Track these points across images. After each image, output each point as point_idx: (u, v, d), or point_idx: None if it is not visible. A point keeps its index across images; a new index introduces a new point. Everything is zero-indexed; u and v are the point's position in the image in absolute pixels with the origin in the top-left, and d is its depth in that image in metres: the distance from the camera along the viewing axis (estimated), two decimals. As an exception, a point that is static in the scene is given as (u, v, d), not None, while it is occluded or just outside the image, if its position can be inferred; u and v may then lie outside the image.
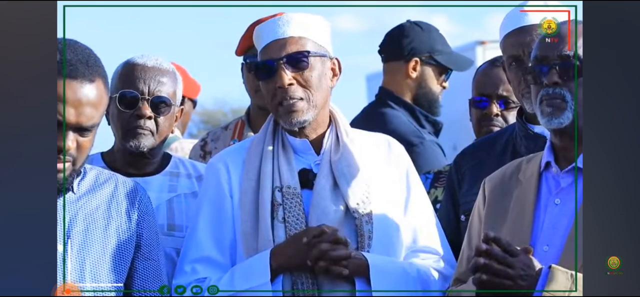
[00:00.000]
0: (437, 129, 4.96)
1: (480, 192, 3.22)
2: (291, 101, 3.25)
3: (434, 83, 4.95)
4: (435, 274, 3.30)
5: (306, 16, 3.34)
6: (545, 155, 3.09)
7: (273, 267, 3.17)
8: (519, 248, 2.91)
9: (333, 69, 3.36)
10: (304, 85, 3.27)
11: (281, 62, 3.26)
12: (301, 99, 3.26)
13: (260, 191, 3.27)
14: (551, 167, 3.07)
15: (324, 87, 3.31)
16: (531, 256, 2.92)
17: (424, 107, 4.93)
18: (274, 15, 4.19)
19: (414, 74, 4.93)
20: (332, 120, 3.38)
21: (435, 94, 4.96)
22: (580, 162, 3.00)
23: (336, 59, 3.38)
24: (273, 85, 3.28)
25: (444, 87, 5.02)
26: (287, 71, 3.26)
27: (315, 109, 3.29)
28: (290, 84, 3.25)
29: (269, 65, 3.29)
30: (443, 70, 4.97)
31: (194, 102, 5.86)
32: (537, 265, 2.90)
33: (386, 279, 3.20)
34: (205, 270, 3.24)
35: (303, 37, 3.30)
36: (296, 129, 3.30)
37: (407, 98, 4.93)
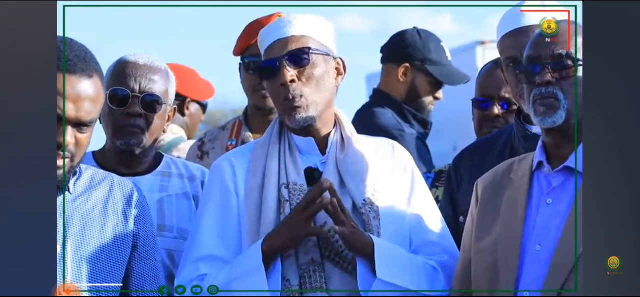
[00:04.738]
0: (426, 128, 5.02)
1: (474, 194, 3.21)
2: (294, 100, 3.26)
3: (424, 91, 5.05)
4: (440, 270, 3.29)
5: (308, 17, 3.36)
6: (537, 155, 3.08)
7: (264, 249, 3.16)
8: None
9: (338, 69, 3.38)
10: (306, 83, 3.28)
11: (283, 59, 3.28)
12: (301, 96, 3.27)
13: (266, 188, 3.27)
14: (543, 167, 3.06)
15: (327, 85, 3.32)
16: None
17: (413, 109, 5.00)
18: (272, 16, 4.21)
19: (403, 79, 5.04)
20: (337, 121, 3.39)
21: (424, 102, 5.07)
22: (572, 163, 2.98)
23: (340, 58, 3.39)
24: (276, 83, 3.29)
25: (436, 98, 5.08)
26: (289, 68, 3.27)
27: (318, 106, 3.29)
28: (292, 81, 3.26)
29: (271, 64, 3.30)
30: (436, 82, 5.03)
31: (204, 106, 5.84)
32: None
33: (391, 264, 3.19)
34: (209, 268, 3.23)
35: (305, 35, 3.31)
36: (301, 126, 3.30)
37: (397, 98, 4.99)
